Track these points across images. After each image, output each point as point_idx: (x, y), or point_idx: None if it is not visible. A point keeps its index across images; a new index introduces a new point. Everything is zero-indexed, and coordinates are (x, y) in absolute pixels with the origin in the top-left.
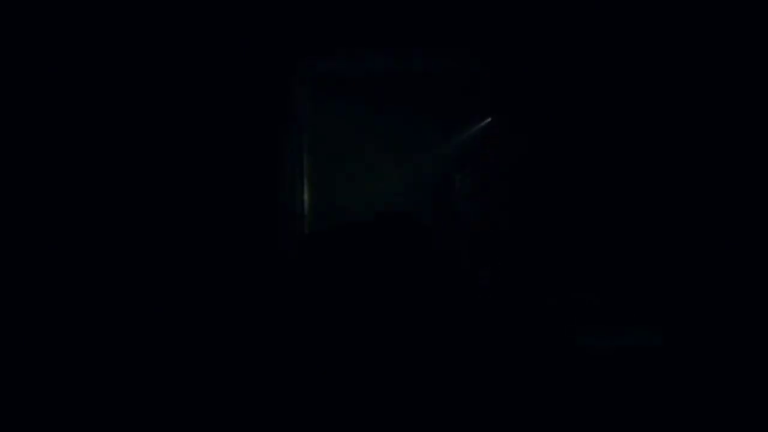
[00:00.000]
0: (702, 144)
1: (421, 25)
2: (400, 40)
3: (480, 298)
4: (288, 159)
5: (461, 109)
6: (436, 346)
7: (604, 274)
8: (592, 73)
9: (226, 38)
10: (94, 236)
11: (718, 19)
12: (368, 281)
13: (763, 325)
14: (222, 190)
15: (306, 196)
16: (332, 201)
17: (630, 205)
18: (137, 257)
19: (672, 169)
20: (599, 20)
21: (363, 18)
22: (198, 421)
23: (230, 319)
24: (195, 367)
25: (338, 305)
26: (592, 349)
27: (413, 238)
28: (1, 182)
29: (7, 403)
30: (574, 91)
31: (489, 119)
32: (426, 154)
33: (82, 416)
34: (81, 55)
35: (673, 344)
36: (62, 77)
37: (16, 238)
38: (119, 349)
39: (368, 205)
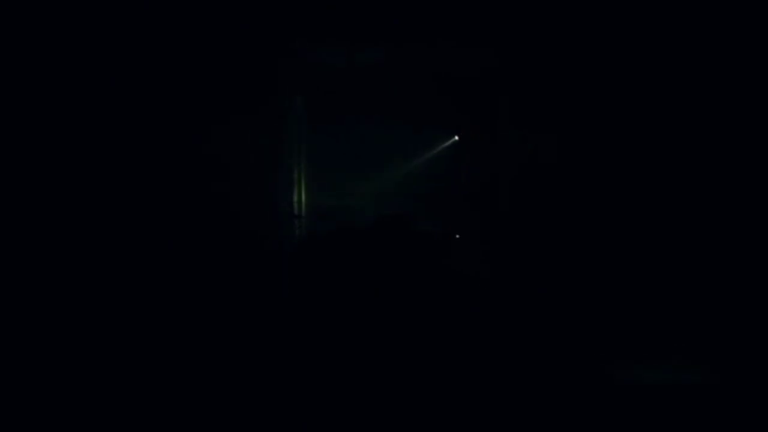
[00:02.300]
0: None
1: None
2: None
3: (487, 308)
4: (286, 158)
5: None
6: (437, 350)
7: (641, 299)
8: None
9: (218, 29)
10: (93, 234)
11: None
12: (368, 281)
13: None
14: (219, 187)
15: (304, 196)
16: (330, 201)
17: (673, 215)
18: (135, 257)
19: (726, 191)
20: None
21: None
22: (198, 420)
23: (231, 318)
24: (195, 366)
25: (338, 304)
26: (625, 383)
27: (412, 241)
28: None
29: (7, 403)
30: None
31: (456, 137)
32: (422, 155)
33: (82, 416)
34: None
35: (719, 382)
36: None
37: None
38: (121, 347)
39: (365, 205)
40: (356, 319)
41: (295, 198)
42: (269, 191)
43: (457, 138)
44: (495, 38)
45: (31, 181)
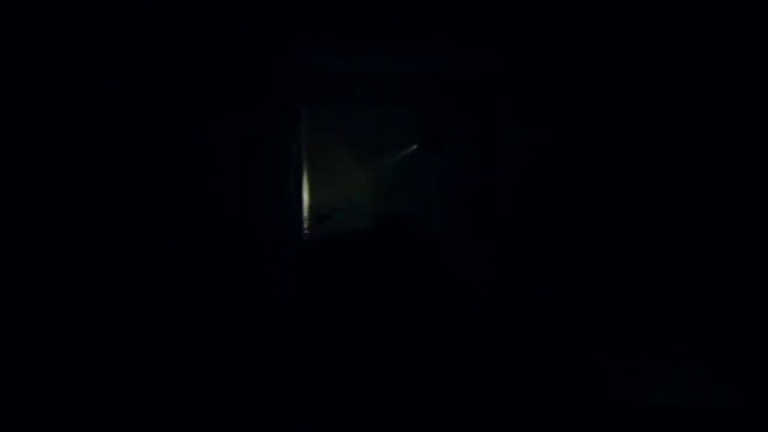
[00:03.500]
0: None
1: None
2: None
3: (487, 308)
4: (286, 158)
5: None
6: (437, 351)
7: (650, 303)
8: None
9: (218, 33)
10: (100, 235)
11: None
12: (368, 281)
13: None
14: (219, 187)
15: (305, 196)
16: (330, 201)
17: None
18: (135, 256)
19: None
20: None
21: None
22: (198, 419)
23: (233, 318)
24: (196, 366)
25: (338, 304)
26: (639, 402)
27: (412, 241)
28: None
29: (7, 403)
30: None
31: (415, 146)
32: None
33: (82, 416)
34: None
35: (754, 404)
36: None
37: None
38: (122, 346)
39: (365, 205)
40: (356, 319)
41: (294, 198)
42: (269, 191)
43: (416, 146)
44: (495, 38)
45: (32, 181)
